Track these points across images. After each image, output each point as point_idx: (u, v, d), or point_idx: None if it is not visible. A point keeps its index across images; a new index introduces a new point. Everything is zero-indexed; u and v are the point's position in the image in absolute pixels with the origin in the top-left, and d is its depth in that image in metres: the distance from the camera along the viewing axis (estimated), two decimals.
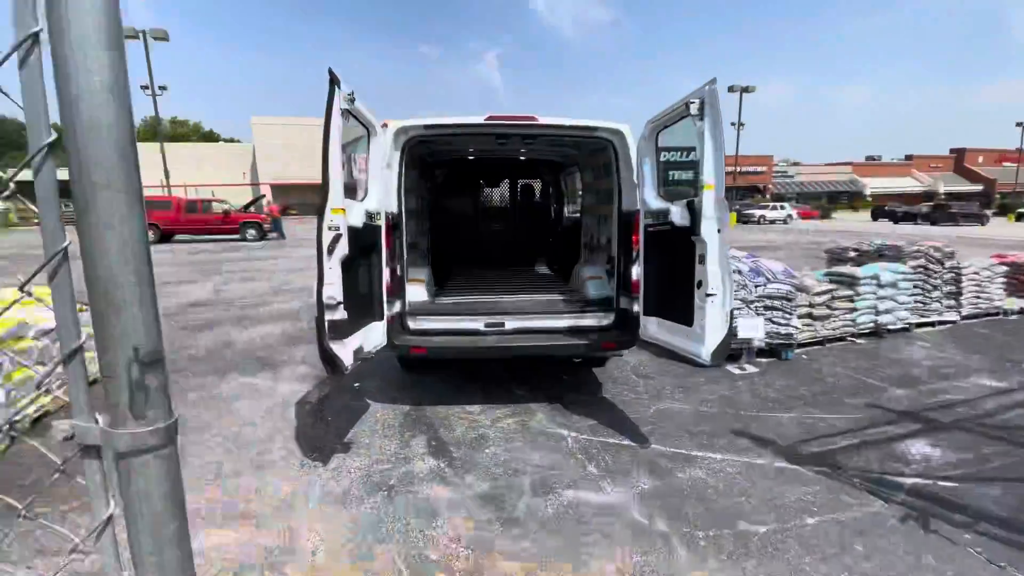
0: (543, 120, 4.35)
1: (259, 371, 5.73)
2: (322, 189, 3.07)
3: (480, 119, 4.33)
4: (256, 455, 3.83)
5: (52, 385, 3.82)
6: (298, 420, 4.46)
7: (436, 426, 4.33)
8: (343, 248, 3.16)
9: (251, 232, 23.22)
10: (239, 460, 3.75)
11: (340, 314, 3.17)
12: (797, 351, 6.21)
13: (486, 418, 4.49)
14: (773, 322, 5.91)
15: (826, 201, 57.64)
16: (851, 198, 61.14)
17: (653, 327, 4.25)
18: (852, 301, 6.69)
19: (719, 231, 3.44)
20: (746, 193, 53.05)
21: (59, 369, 0.84)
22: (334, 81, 3.08)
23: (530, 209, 8.81)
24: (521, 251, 8.80)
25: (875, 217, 43.84)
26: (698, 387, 5.27)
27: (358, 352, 3.46)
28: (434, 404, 4.77)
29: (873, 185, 61.69)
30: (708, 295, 3.50)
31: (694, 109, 3.47)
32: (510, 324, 4.60)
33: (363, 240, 3.74)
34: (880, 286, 6.82)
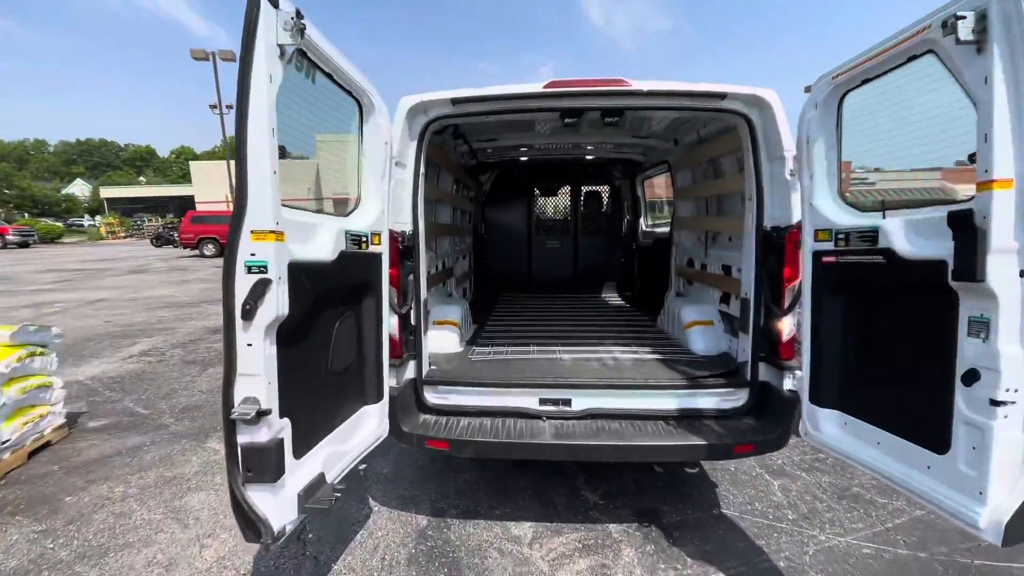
0: (637, 85, 2.73)
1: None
2: (236, 196, 1.60)
3: (536, 87, 2.77)
4: None
5: None
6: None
7: (462, 568, 2.75)
8: (276, 305, 1.66)
9: None
10: None
11: (269, 432, 1.67)
12: None
13: (540, 553, 2.86)
14: None
15: None
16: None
17: (831, 428, 2.47)
18: None
19: None
20: None
21: None
22: None
23: (596, 222, 7.15)
24: (585, 274, 7.14)
25: None
26: (872, 500, 3.36)
27: (312, 492, 1.91)
28: (463, 517, 3.19)
29: (967, 192, 54.63)
30: (997, 402, 1.72)
31: (964, 31, 1.70)
32: (579, 403, 2.97)
33: (342, 279, 2.25)
34: None
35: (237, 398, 1.61)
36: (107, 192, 60.84)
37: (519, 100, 2.82)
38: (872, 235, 2.16)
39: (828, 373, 2.47)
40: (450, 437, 2.75)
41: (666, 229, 6.15)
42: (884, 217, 2.18)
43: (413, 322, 2.97)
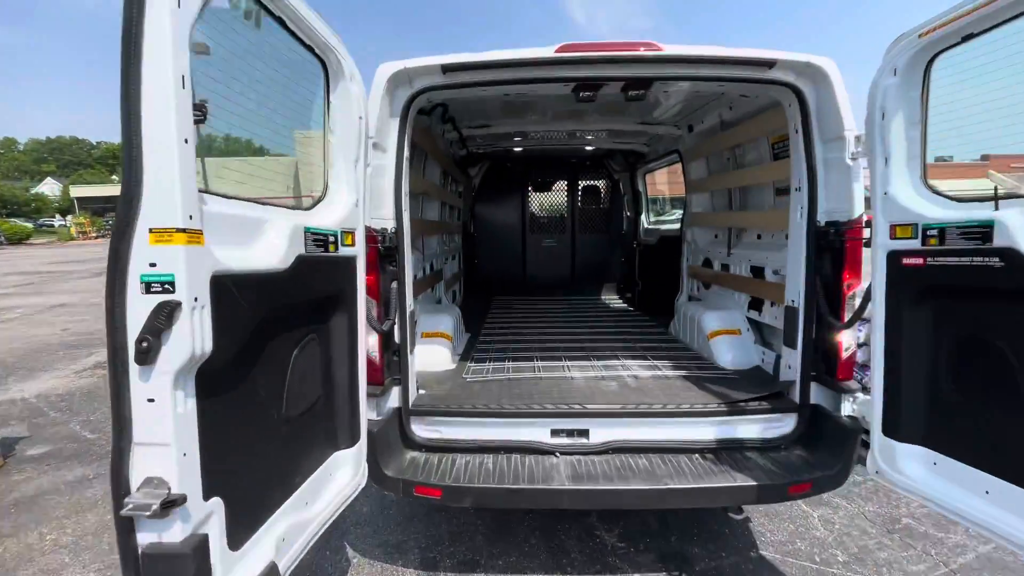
0: (672, 50, 2.24)
1: None
2: (123, 179, 1.07)
3: (547, 51, 2.27)
4: None
5: None
6: None
7: None
8: (191, 339, 1.12)
9: None
10: None
11: (184, 527, 1.14)
12: None
13: None
14: None
15: None
16: None
17: (916, 468, 2.00)
18: None
19: None
20: None
21: None
22: None
23: (595, 219, 6.67)
24: (584, 275, 6.66)
25: None
26: (927, 532, 2.94)
27: None
28: (460, 570, 2.68)
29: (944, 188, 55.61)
30: None
31: None
32: (599, 434, 2.48)
33: (302, 292, 1.71)
34: None
35: (134, 480, 1.08)
36: (78, 191, 58.55)
37: (525, 68, 2.31)
38: (984, 231, 1.70)
39: (911, 400, 2.01)
40: (444, 483, 2.23)
41: (672, 226, 5.71)
42: (997, 208, 1.73)
43: (397, 339, 2.45)
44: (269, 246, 1.48)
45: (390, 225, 2.39)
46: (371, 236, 2.24)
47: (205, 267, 1.15)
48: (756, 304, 3.36)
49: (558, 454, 2.44)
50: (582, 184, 6.61)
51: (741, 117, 3.31)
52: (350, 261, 2.01)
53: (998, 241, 1.66)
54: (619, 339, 3.97)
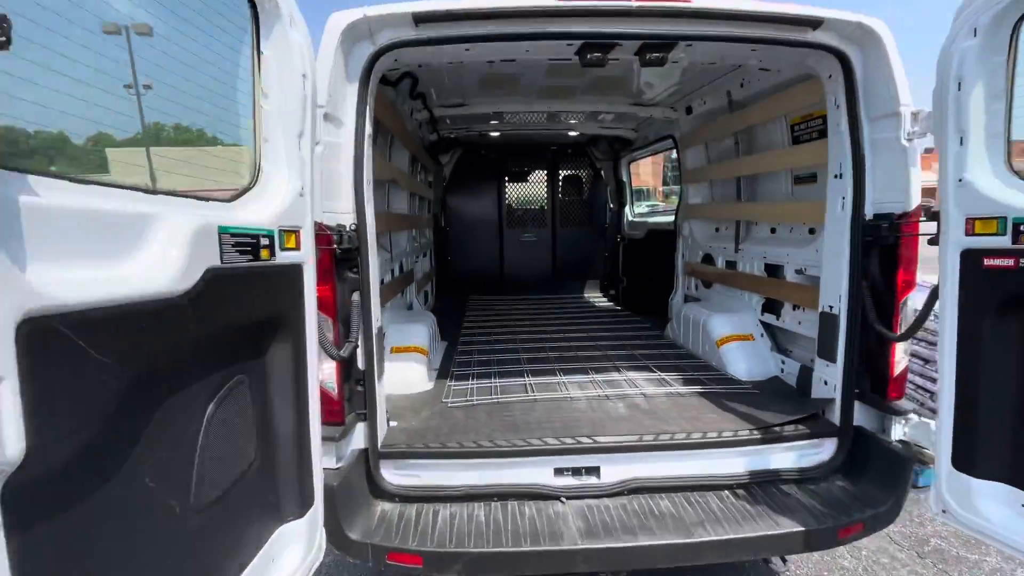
0: (705, 2, 1.81)
1: None
2: None
3: (549, 0, 1.80)
4: None
5: None
6: None
7: None
8: None
9: None
10: None
11: None
12: None
13: None
14: None
15: None
16: None
17: (998, 510, 1.66)
18: None
19: None
20: None
21: None
22: None
23: (577, 211, 6.25)
24: (565, 272, 6.25)
25: None
26: (960, 555, 2.68)
27: None
28: None
29: None
30: None
31: None
32: (611, 471, 2.06)
33: (214, 322, 1.18)
34: None
35: None
36: None
37: (519, 21, 1.83)
38: None
39: (990, 428, 1.67)
40: (425, 548, 1.76)
41: (661, 219, 5.36)
42: None
43: (361, 364, 1.94)
44: (155, 258, 0.96)
45: (348, 220, 1.88)
46: (323, 235, 1.72)
47: (3, 307, 0.64)
48: (771, 306, 3.01)
49: (564, 499, 2.01)
50: (563, 174, 6.18)
51: (755, 95, 2.93)
52: (293, 270, 1.49)
53: None
54: (615, 345, 3.57)
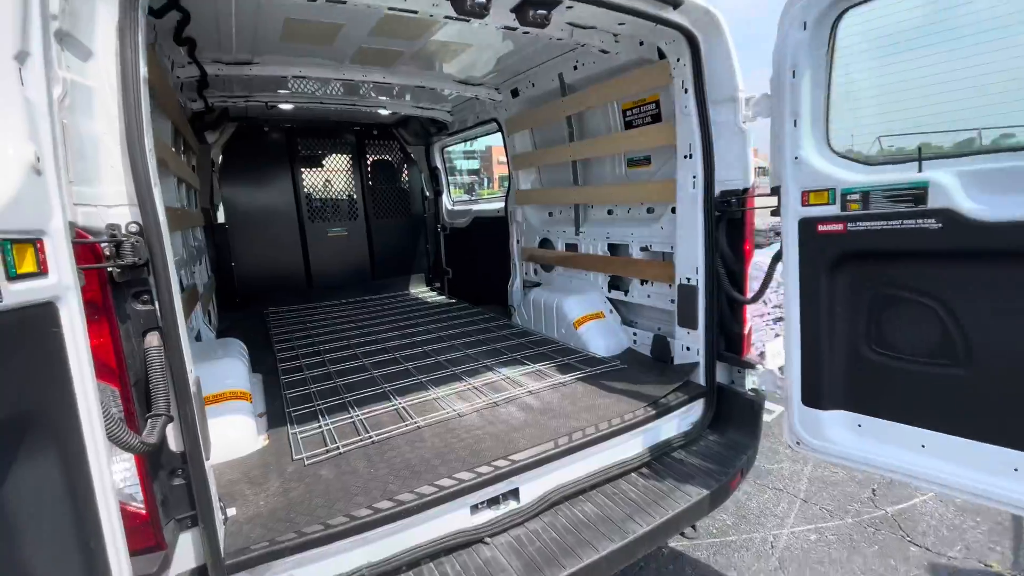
0: None
1: None
2: None
3: None
4: None
5: None
6: None
7: None
8: None
9: None
10: None
11: None
12: None
13: None
14: None
15: None
16: None
17: (842, 433, 2.00)
18: None
19: None
20: None
21: None
22: None
23: (392, 200, 5.70)
24: (386, 268, 5.67)
25: None
26: (771, 470, 3.30)
27: None
28: None
29: None
30: None
31: None
32: (530, 488, 1.83)
33: None
34: None
35: None
36: None
37: None
38: (916, 193, 1.67)
39: (830, 367, 1.99)
40: None
41: (486, 206, 5.27)
42: (921, 170, 1.72)
43: (178, 444, 1.24)
44: None
45: (124, 217, 1.14)
46: (85, 245, 0.99)
47: None
48: (616, 283, 3.17)
49: (487, 539, 1.68)
50: (371, 159, 5.54)
51: (588, 79, 2.97)
52: (39, 315, 0.78)
53: (933, 203, 1.64)
54: (470, 342, 3.31)
